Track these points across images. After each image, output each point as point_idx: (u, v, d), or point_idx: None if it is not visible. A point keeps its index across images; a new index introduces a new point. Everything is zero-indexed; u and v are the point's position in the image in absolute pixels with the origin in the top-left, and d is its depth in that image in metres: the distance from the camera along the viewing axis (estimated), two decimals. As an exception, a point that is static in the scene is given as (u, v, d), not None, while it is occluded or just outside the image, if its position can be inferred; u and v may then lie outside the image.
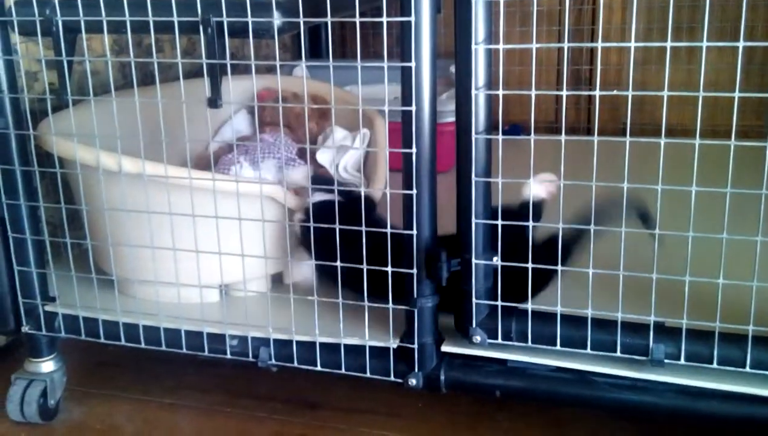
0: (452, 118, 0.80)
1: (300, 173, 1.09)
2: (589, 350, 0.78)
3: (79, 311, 0.97)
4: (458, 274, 0.81)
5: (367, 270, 0.82)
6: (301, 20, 0.78)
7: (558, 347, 0.80)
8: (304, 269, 1.02)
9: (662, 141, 0.70)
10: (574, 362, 0.80)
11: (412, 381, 0.85)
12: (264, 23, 0.79)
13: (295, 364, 0.90)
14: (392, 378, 0.86)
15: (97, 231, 1.02)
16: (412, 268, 0.82)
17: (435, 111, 0.79)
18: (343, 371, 0.88)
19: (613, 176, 0.71)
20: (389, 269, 0.81)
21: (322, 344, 0.88)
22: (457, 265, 0.82)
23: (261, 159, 1.10)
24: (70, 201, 1.02)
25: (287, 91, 1.34)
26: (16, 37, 0.95)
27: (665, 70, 0.70)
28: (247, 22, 0.79)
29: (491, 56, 0.77)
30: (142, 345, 0.95)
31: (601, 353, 0.78)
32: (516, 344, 0.81)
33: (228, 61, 0.81)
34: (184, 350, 0.94)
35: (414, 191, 0.79)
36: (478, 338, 0.83)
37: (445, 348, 0.85)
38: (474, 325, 0.83)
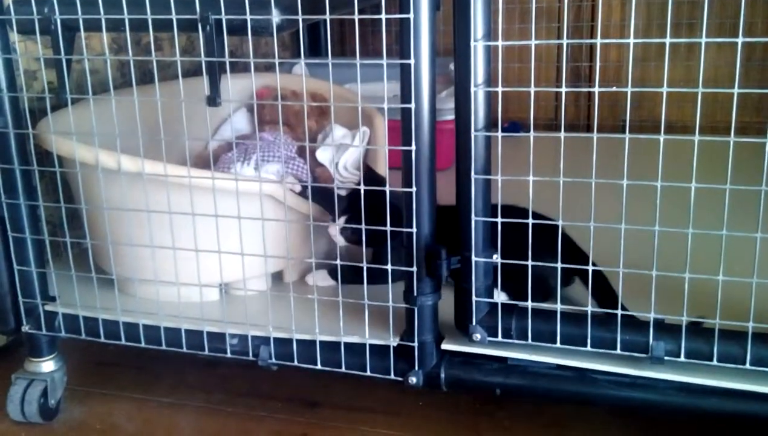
0: (452, 116, 0.80)
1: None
2: (589, 348, 0.78)
3: (79, 310, 0.97)
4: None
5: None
6: (300, 18, 0.78)
7: (558, 345, 0.80)
8: (322, 274, 1.02)
9: (661, 137, 0.70)
10: (575, 359, 0.80)
11: (413, 379, 0.85)
12: (263, 21, 0.78)
13: (296, 363, 0.90)
14: (392, 376, 0.86)
15: (97, 230, 1.02)
16: (412, 266, 0.82)
17: (434, 108, 0.79)
18: (343, 369, 0.88)
19: (612, 173, 0.71)
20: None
21: (322, 343, 0.88)
22: (457, 263, 0.82)
23: (261, 158, 1.10)
24: (69, 200, 1.02)
25: (286, 89, 1.34)
26: (14, 36, 0.94)
27: (664, 67, 0.70)
28: (245, 20, 0.78)
29: (490, 53, 0.77)
30: (143, 344, 0.95)
31: (601, 350, 0.78)
32: (516, 341, 0.81)
33: (227, 60, 0.81)
34: (185, 349, 0.94)
35: (414, 189, 0.79)
36: (478, 336, 0.83)
37: (445, 346, 0.85)
38: (474, 323, 0.83)
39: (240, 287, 1.02)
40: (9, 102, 0.92)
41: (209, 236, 0.89)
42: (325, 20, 0.76)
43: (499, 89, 0.77)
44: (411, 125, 0.78)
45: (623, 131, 0.72)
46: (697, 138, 0.69)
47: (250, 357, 0.92)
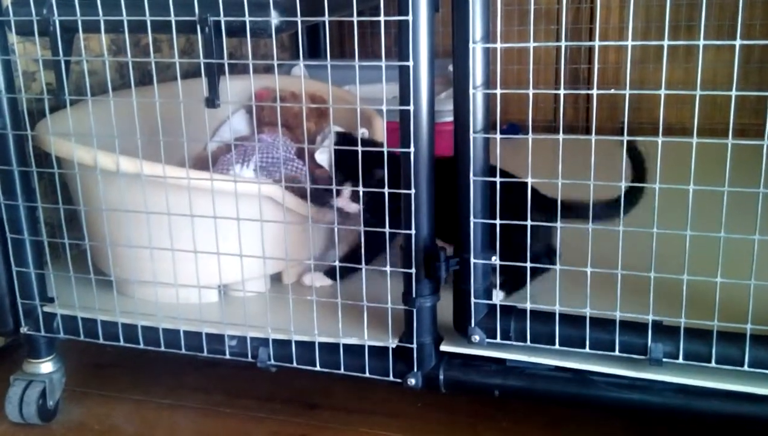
0: (450, 118, 0.80)
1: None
2: (587, 350, 0.78)
3: (77, 311, 0.97)
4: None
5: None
6: (299, 19, 0.78)
7: (557, 347, 0.80)
8: (318, 274, 1.03)
9: (660, 140, 0.70)
10: (573, 361, 0.80)
11: (411, 381, 0.85)
12: (262, 22, 0.79)
13: (294, 364, 0.90)
14: (391, 378, 0.86)
15: (96, 232, 1.02)
16: (410, 267, 0.82)
17: (433, 110, 0.79)
18: (342, 371, 0.88)
19: (611, 175, 0.71)
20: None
21: (321, 344, 0.88)
22: (456, 264, 0.82)
23: (260, 160, 1.10)
24: (68, 201, 1.02)
25: (285, 90, 1.34)
26: (13, 37, 0.94)
27: (663, 69, 0.70)
28: (244, 22, 0.78)
29: (489, 55, 0.77)
30: (141, 346, 0.95)
31: (599, 352, 0.78)
32: (515, 343, 0.81)
33: (226, 61, 0.81)
34: (183, 351, 0.94)
35: (412, 191, 0.79)
36: (476, 338, 0.83)
37: (444, 348, 0.85)
38: (473, 324, 0.83)
39: (239, 288, 1.02)
40: (8, 103, 0.92)
41: (208, 238, 0.89)
42: (324, 22, 0.76)
43: (498, 91, 0.77)
44: (410, 127, 0.78)
45: (622, 133, 0.72)
46: (695, 140, 0.69)
47: (249, 358, 0.91)
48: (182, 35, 1.48)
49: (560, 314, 0.78)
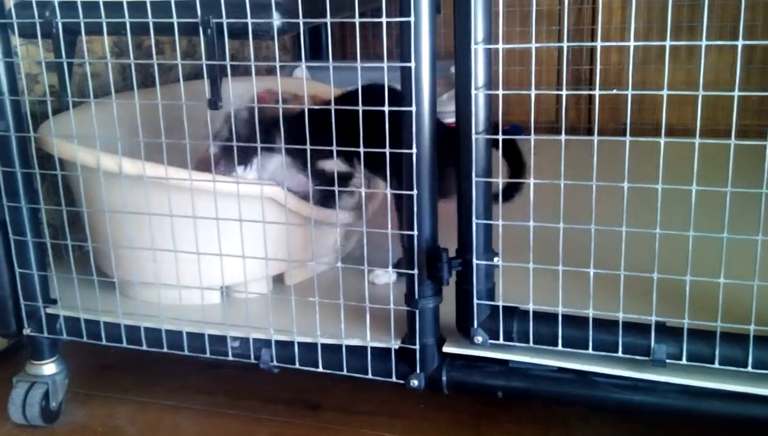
0: (452, 119, 0.80)
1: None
2: (590, 351, 0.78)
3: (80, 313, 0.97)
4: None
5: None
6: (301, 21, 0.78)
7: (560, 348, 0.79)
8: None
9: (662, 140, 0.70)
10: (576, 362, 0.80)
11: (414, 382, 0.85)
12: (264, 24, 0.79)
13: (297, 365, 0.90)
14: (394, 379, 0.86)
15: (98, 233, 1.02)
16: (413, 269, 0.82)
17: (435, 111, 0.79)
18: (344, 372, 0.88)
19: (613, 176, 0.71)
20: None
21: (323, 345, 0.88)
22: (458, 265, 0.82)
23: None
24: (71, 203, 1.02)
25: (288, 92, 1.34)
26: (16, 40, 0.95)
27: (665, 70, 0.70)
28: (246, 24, 0.79)
29: (491, 56, 0.77)
30: (144, 347, 0.95)
31: (602, 353, 0.78)
32: (517, 344, 0.81)
33: (228, 63, 0.81)
34: (186, 352, 0.94)
35: (415, 192, 0.79)
36: (479, 339, 0.83)
37: (446, 349, 0.85)
38: (475, 325, 0.83)
39: (241, 289, 1.02)
40: (10, 105, 0.92)
41: (210, 239, 0.89)
42: (325, 23, 0.76)
43: (500, 92, 0.77)
44: (412, 128, 0.78)
45: (624, 134, 0.72)
46: (697, 141, 0.69)
47: (252, 360, 0.92)
48: (184, 37, 1.48)
49: (563, 315, 0.78)
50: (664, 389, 0.77)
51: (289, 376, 0.91)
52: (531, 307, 0.80)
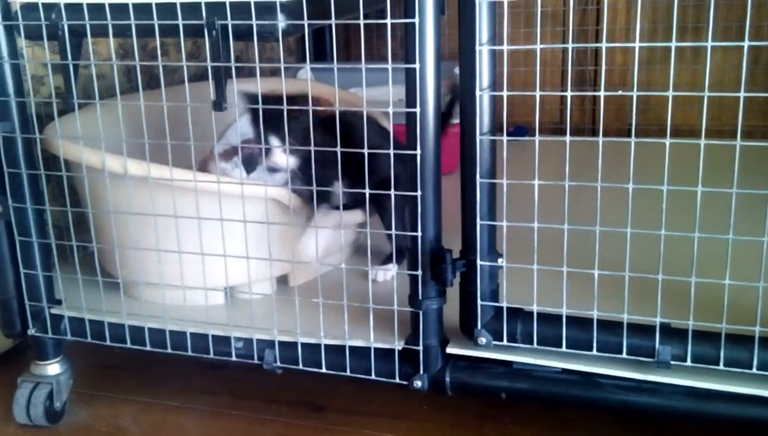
0: (456, 120, 0.80)
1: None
2: (595, 352, 0.78)
3: (84, 313, 0.98)
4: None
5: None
6: (306, 23, 0.78)
7: (564, 349, 0.79)
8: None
9: (667, 141, 0.70)
10: (580, 363, 0.79)
11: (418, 383, 0.85)
12: (268, 26, 0.79)
13: (300, 366, 0.90)
14: (397, 380, 0.86)
15: (103, 234, 1.02)
16: (417, 270, 0.82)
17: (439, 113, 0.79)
18: (348, 373, 0.88)
19: (618, 177, 0.71)
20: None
21: (327, 346, 0.88)
22: (462, 267, 0.82)
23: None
24: (76, 204, 1.02)
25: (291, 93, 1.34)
26: (22, 42, 0.95)
27: (670, 70, 0.70)
28: (251, 25, 0.79)
29: (495, 57, 0.77)
30: (148, 348, 0.96)
31: (607, 354, 0.78)
32: (521, 345, 0.81)
33: (233, 64, 0.81)
34: (190, 353, 0.94)
35: (419, 193, 0.79)
36: (483, 340, 0.82)
37: (450, 350, 0.85)
38: (479, 326, 0.83)
39: (245, 290, 1.02)
40: (16, 107, 0.93)
41: (215, 240, 0.89)
42: (330, 25, 0.76)
43: (504, 93, 0.77)
44: (416, 129, 0.78)
45: (629, 135, 0.71)
46: (703, 142, 0.69)
47: (255, 360, 0.92)
48: (189, 39, 1.48)
49: (567, 317, 0.78)
50: (668, 391, 0.77)
51: (293, 376, 0.91)
52: (535, 308, 0.80)
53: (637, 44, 0.70)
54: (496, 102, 0.77)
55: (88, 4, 0.84)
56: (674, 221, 0.70)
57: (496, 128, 0.78)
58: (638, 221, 0.72)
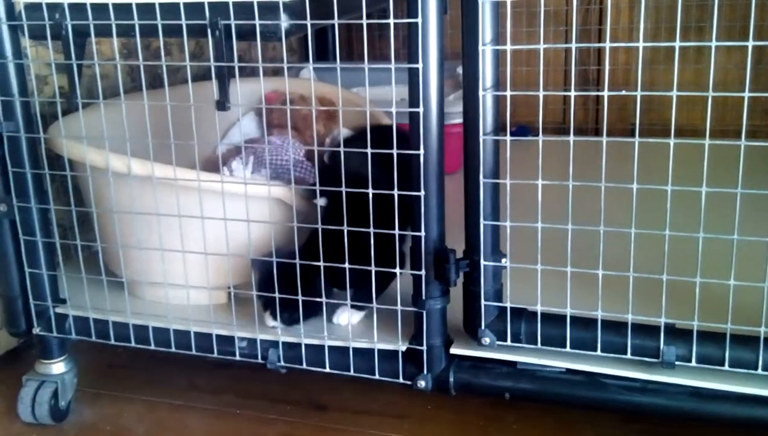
0: (460, 120, 0.80)
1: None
2: (599, 352, 0.78)
3: (89, 312, 0.98)
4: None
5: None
6: (308, 22, 0.78)
7: (568, 349, 0.79)
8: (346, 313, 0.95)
9: (671, 141, 0.70)
10: (584, 364, 0.79)
11: (421, 383, 0.85)
12: (271, 26, 0.79)
13: (304, 366, 0.90)
14: (401, 380, 0.86)
15: (107, 233, 1.02)
16: (420, 270, 0.82)
17: (442, 112, 0.79)
18: (351, 373, 0.88)
19: (621, 177, 0.71)
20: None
21: (330, 346, 0.88)
22: (466, 266, 0.82)
23: (270, 161, 1.11)
24: (80, 203, 1.02)
25: (294, 93, 1.34)
26: (26, 41, 0.95)
27: (674, 70, 0.70)
28: (254, 25, 0.79)
29: (498, 57, 0.77)
30: (152, 347, 0.96)
31: (611, 355, 0.78)
32: (525, 345, 0.81)
33: (236, 64, 0.81)
34: (194, 352, 0.94)
35: (422, 193, 0.79)
36: (487, 340, 0.82)
37: (454, 350, 0.85)
38: (483, 327, 0.82)
39: (249, 289, 1.02)
40: (20, 106, 0.93)
41: (218, 239, 0.90)
42: (333, 25, 0.76)
43: (508, 93, 0.77)
44: (419, 129, 0.78)
45: (632, 135, 0.71)
46: (707, 142, 0.69)
47: (259, 360, 0.92)
48: (192, 39, 1.49)
49: (571, 317, 0.78)
50: (673, 391, 0.77)
51: (297, 376, 0.91)
52: (539, 308, 0.79)
53: (641, 44, 0.70)
54: (499, 102, 0.77)
55: (91, 4, 0.84)
56: (678, 221, 0.70)
57: (499, 128, 0.78)
58: (642, 221, 0.72)
